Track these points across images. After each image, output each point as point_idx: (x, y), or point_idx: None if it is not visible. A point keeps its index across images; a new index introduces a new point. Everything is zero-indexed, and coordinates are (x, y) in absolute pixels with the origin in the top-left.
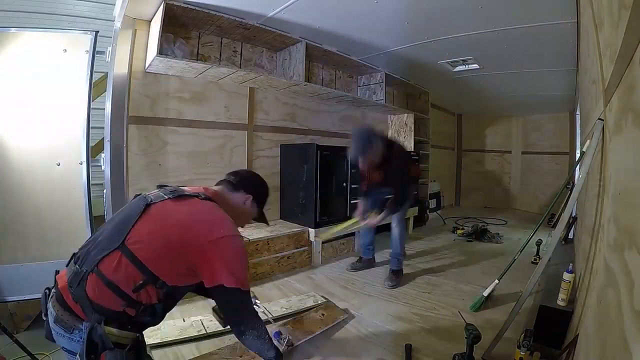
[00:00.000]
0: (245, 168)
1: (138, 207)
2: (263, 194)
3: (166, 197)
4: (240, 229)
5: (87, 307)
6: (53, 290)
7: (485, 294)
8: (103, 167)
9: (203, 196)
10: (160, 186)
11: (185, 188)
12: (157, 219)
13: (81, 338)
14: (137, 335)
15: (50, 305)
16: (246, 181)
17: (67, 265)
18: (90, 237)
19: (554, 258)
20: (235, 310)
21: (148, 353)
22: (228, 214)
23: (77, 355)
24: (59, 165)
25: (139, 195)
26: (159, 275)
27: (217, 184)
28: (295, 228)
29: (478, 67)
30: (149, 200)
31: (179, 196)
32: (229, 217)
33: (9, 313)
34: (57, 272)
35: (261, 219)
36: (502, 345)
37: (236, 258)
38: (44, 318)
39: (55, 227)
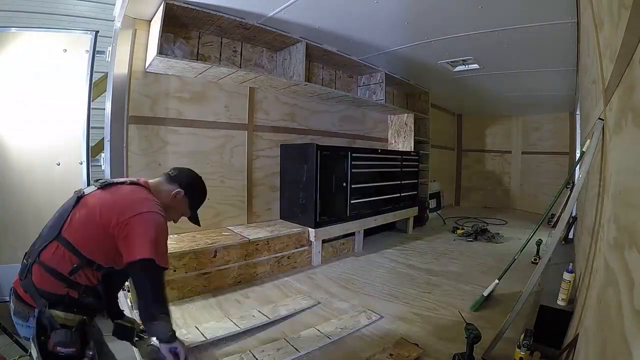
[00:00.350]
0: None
1: (72, 201)
2: (196, 192)
3: (96, 187)
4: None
5: (35, 295)
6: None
7: (486, 294)
8: (103, 167)
9: (128, 182)
10: (96, 180)
11: (117, 179)
12: (87, 207)
13: (28, 324)
14: (84, 318)
15: (10, 301)
16: (182, 176)
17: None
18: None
19: (554, 258)
20: (152, 287)
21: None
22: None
23: (31, 339)
24: (59, 165)
25: (77, 191)
26: (93, 258)
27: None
28: (295, 228)
29: (478, 67)
30: (81, 193)
31: (107, 185)
32: (155, 199)
33: (9, 313)
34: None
35: (194, 219)
36: (502, 345)
37: (155, 232)
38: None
39: None
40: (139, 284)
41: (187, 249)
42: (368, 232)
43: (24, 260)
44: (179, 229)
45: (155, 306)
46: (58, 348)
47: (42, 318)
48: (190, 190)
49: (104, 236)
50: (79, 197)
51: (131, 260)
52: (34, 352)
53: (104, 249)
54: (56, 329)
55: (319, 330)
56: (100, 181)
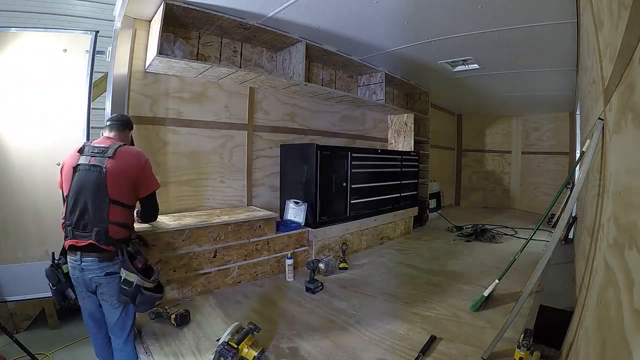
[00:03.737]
0: (122, 114)
1: (99, 177)
2: (132, 125)
3: (106, 159)
4: None
5: (116, 243)
6: (72, 257)
7: (486, 294)
8: None
9: (119, 144)
10: (80, 150)
11: (101, 145)
12: (115, 174)
13: (120, 260)
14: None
15: (81, 261)
16: (126, 122)
17: (71, 237)
18: (69, 215)
19: (554, 258)
20: (157, 206)
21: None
22: None
23: (121, 267)
24: (59, 165)
25: (86, 161)
26: (132, 204)
27: (109, 131)
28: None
29: (478, 67)
30: (102, 168)
31: (115, 151)
32: (136, 148)
33: (9, 313)
34: (53, 254)
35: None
36: (502, 345)
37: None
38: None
39: (55, 227)
40: (152, 208)
41: (187, 250)
42: None
43: (94, 229)
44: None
45: (154, 218)
46: (140, 265)
47: (127, 253)
48: (131, 126)
49: (132, 187)
50: (102, 171)
51: (149, 192)
52: (130, 276)
53: (134, 195)
54: (138, 255)
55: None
56: (95, 150)
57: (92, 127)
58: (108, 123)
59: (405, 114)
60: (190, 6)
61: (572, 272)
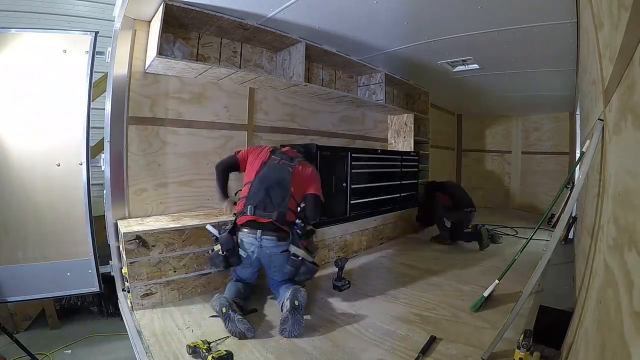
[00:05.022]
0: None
1: (287, 172)
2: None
3: (294, 163)
4: None
5: (289, 225)
6: (252, 234)
7: (486, 294)
8: (103, 168)
9: (300, 159)
10: (274, 151)
11: (290, 153)
12: (300, 174)
13: (290, 239)
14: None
15: (261, 239)
16: (305, 153)
17: (252, 213)
18: (257, 195)
19: (554, 258)
20: (317, 205)
21: None
22: None
23: (291, 244)
24: (59, 165)
25: (276, 160)
26: (298, 199)
27: (291, 148)
28: None
29: (478, 67)
30: (291, 166)
31: (299, 163)
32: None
33: (9, 313)
34: (234, 223)
35: None
36: (502, 345)
37: (318, 181)
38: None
39: (55, 228)
40: (314, 204)
41: (187, 251)
42: None
43: (275, 211)
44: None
45: (319, 214)
46: (306, 245)
47: (297, 228)
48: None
49: (301, 187)
50: (290, 169)
51: (312, 192)
52: (299, 251)
53: (301, 191)
54: (304, 234)
55: None
56: (289, 156)
57: (92, 127)
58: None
59: (405, 114)
60: (189, 7)
61: (572, 273)
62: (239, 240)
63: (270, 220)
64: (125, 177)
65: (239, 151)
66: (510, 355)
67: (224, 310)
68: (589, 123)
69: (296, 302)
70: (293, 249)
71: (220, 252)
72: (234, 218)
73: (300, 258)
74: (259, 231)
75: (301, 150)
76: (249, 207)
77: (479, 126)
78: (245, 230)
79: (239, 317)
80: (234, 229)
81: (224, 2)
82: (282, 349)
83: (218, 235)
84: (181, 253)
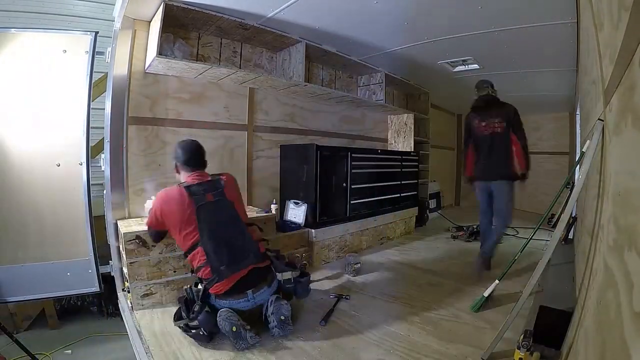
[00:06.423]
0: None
1: (224, 201)
2: (178, 155)
3: (218, 186)
4: None
5: (264, 254)
6: (242, 299)
7: (486, 294)
8: (103, 168)
9: (211, 175)
10: (189, 188)
11: (202, 177)
12: (230, 191)
13: (274, 269)
14: None
15: (254, 297)
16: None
17: (229, 276)
18: (220, 253)
19: (554, 258)
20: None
21: None
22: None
23: (277, 273)
24: (59, 166)
25: (201, 197)
26: (246, 218)
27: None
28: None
29: (478, 67)
30: (220, 190)
31: (218, 179)
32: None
33: (9, 313)
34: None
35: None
36: (502, 345)
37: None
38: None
39: (56, 228)
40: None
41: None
42: None
43: (243, 257)
44: None
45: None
46: (287, 262)
47: (274, 256)
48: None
49: (236, 194)
50: (223, 193)
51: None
52: (286, 275)
53: (240, 200)
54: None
55: None
56: (210, 185)
57: (92, 127)
58: None
59: (405, 114)
60: (189, 7)
61: (572, 273)
62: (222, 308)
63: (252, 266)
64: (125, 177)
65: (148, 223)
66: (510, 355)
67: (234, 329)
68: (589, 123)
69: (282, 317)
70: (279, 276)
71: (201, 332)
72: (201, 288)
73: (291, 280)
74: (249, 292)
75: (205, 160)
76: (220, 270)
77: None
78: (232, 299)
79: (252, 335)
80: (208, 298)
81: (224, 2)
82: (282, 349)
83: (188, 320)
84: (181, 253)
